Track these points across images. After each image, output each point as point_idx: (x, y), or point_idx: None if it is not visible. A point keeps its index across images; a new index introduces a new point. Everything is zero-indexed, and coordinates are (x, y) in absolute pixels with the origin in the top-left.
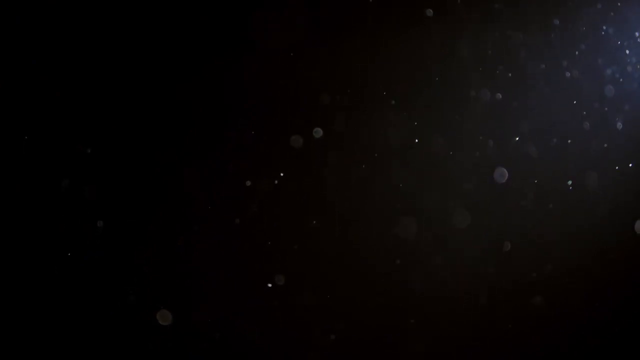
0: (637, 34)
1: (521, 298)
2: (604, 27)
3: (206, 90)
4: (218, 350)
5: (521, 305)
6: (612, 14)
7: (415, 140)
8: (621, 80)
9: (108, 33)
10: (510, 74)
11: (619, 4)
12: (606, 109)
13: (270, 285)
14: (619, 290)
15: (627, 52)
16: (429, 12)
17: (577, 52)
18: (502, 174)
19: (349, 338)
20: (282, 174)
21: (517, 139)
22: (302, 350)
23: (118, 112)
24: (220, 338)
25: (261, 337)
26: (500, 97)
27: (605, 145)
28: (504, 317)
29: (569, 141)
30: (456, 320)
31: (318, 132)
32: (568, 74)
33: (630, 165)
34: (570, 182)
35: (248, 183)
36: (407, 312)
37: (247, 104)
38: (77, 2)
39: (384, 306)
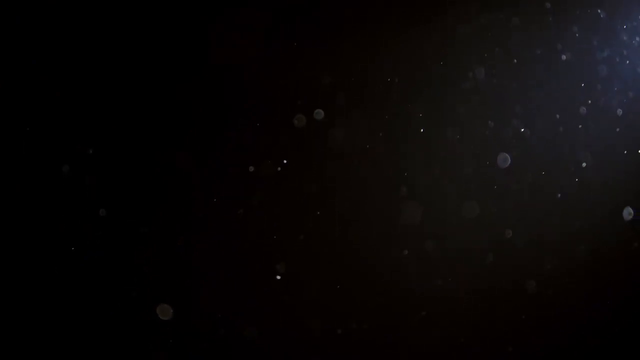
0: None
1: (521, 298)
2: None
3: (204, 86)
4: (219, 347)
5: (521, 305)
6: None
7: (420, 130)
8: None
9: (108, 33)
10: (512, 67)
11: None
12: (610, 105)
13: (278, 277)
14: (619, 290)
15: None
16: None
17: (577, 36)
18: (505, 159)
19: (352, 335)
20: (285, 161)
21: (516, 136)
22: (304, 347)
23: (117, 111)
24: (223, 335)
25: (263, 334)
26: (503, 93)
27: (607, 143)
28: (503, 316)
29: (570, 139)
30: (455, 319)
31: (319, 114)
32: (572, 69)
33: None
34: (573, 180)
35: (251, 169)
36: (406, 310)
37: (246, 103)
38: (76, 2)
39: (384, 304)
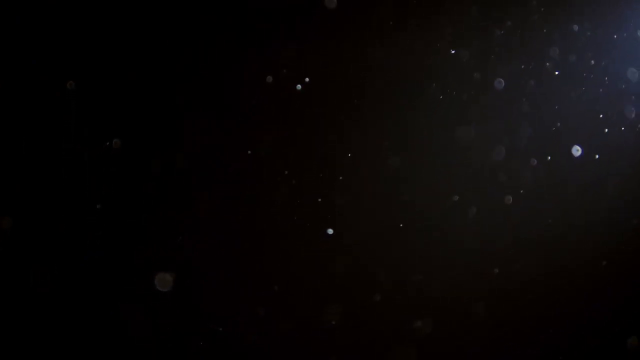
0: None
1: (521, 298)
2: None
3: (204, 82)
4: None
5: (521, 305)
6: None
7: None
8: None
9: (109, 32)
10: (515, 72)
11: None
12: (612, 105)
13: (330, 231)
14: (619, 290)
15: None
16: None
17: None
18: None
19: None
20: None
21: (518, 137)
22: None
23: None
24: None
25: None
26: (508, 93)
27: (608, 142)
28: (504, 316)
29: (571, 138)
30: (456, 319)
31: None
32: (582, 73)
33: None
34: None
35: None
36: (406, 310)
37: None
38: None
39: (385, 305)
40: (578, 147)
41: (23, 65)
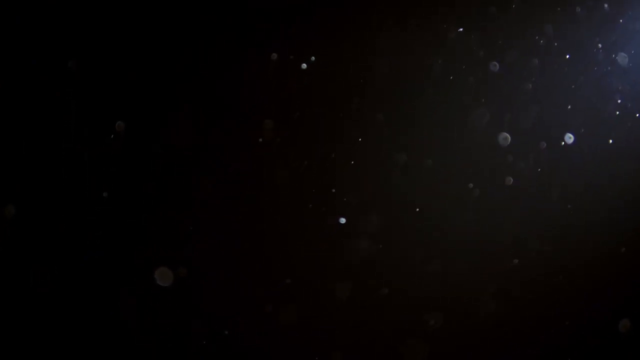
0: None
1: (521, 298)
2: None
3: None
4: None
5: (521, 305)
6: None
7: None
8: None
9: (110, 33)
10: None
11: None
12: (614, 104)
13: (342, 220)
14: (619, 290)
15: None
16: None
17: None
18: (505, 138)
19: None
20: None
21: (519, 137)
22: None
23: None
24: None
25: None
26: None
27: (609, 142)
28: (504, 316)
29: (571, 139)
30: (455, 319)
31: None
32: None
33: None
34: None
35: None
36: (406, 311)
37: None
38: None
39: (385, 306)
40: (570, 135)
41: (23, 63)
